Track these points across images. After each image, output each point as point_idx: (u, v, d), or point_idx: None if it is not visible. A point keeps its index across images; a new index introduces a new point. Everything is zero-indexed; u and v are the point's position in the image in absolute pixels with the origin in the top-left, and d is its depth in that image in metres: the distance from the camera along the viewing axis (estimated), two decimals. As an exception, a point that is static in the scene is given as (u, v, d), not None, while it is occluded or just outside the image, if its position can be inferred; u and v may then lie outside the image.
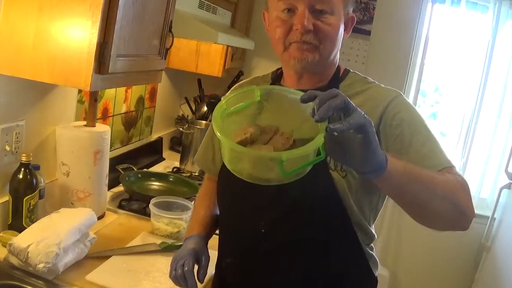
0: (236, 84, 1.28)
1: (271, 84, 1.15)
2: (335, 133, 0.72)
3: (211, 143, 1.26)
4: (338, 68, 1.10)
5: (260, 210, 1.07)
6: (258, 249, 1.09)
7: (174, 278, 1.10)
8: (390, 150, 0.98)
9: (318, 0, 0.99)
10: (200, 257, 1.13)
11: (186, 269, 1.08)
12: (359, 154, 0.75)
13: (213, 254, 1.41)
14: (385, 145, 0.98)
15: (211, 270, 1.17)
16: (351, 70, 1.12)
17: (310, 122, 0.74)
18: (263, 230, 1.06)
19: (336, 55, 1.08)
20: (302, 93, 0.77)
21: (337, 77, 1.09)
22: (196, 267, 1.12)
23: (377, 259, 1.14)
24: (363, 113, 0.73)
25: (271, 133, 0.82)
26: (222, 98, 0.86)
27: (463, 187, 0.94)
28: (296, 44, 1.01)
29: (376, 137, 0.76)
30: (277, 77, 1.16)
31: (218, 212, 1.24)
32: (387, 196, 1.05)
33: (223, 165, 1.13)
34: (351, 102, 0.73)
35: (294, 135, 0.80)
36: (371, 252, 1.12)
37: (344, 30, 1.05)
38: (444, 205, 0.89)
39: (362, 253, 1.08)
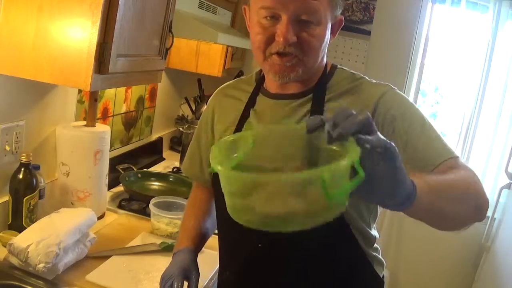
0: (221, 86, 1.19)
1: (255, 87, 1.08)
2: (367, 146, 0.60)
3: (197, 150, 1.20)
4: (325, 65, 1.04)
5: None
6: (256, 262, 1.06)
7: None
8: None
9: (304, 10, 0.89)
10: (189, 274, 1.08)
11: None
12: (387, 185, 0.62)
13: (213, 254, 1.41)
14: None
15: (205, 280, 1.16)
16: (338, 66, 1.06)
17: (321, 152, 0.64)
18: (260, 244, 1.03)
19: (323, 58, 1.02)
20: (304, 125, 0.66)
21: (324, 77, 1.02)
22: (186, 284, 1.08)
23: (383, 259, 1.12)
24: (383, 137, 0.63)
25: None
26: (212, 148, 0.72)
27: (476, 180, 0.86)
28: (277, 57, 0.93)
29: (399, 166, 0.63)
30: (261, 79, 1.09)
31: (208, 222, 1.21)
32: None
33: (215, 174, 1.11)
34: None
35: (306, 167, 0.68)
36: (374, 253, 1.09)
37: (331, 33, 0.98)
38: (467, 207, 0.82)
39: (365, 257, 1.05)
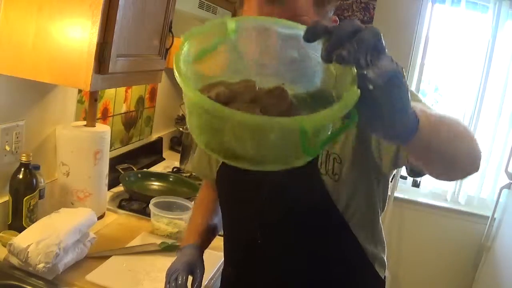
0: None
1: None
2: (371, 86, 0.50)
3: None
4: None
5: (253, 219, 1.03)
6: (255, 258, 1.07)
7: None
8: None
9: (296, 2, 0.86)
10: (194, 269, 1.09)
11: (179, 283, 1.04)
12: (387, 114, 0.53)
13: (215, 255, 1.41)
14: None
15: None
16: None
17: (317, 73, 0.53)
18: (259, 241, 1.04)
19: None
20: (303, 27, 0.53)
21: None
22: (191, 279, 1.08)
23: (385, 259, 1.10)
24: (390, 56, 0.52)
25: (251, 92, 0.55)
26: (183, 36, 0.58)
27: (466, 126, 0.78)
28: None
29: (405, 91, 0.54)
30: None
31: (215, 220, 1.22)
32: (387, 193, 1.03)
33: (219, 170, 1.11)
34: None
35: (289, 92, 0.55)
36: (376, 252, 1.06)
37: None
38: (465, 148, 0.73)
39: (365, 255, 1.04)
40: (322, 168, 0.95)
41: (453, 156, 0.71)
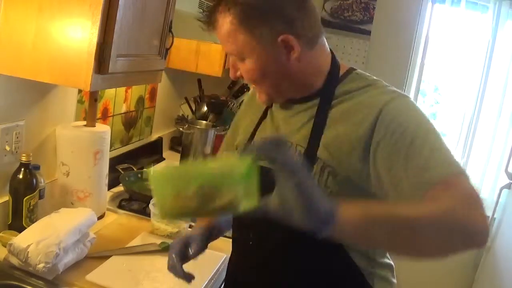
0: (245, 97, 1.19)
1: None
2: (262, 159, 0.64)
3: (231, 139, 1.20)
4: (337, 68, 0.99)
5: (248, 223, 1.03)
6: (247, 258, 1.08)
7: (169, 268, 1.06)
8: (384, 168, 0.86)
9: (230, 51, 0.94)
10: (189, 245, 1.07)
11: (170, 262, 1.03)
12: (296, 206, 0.63)
13: (215, 255, 1.41)
14: (381, 163, 0.86)
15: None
16: (355, 71, 1.00)
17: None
18: (251, 242, 1.04)
19: (308, 71, 0.96)
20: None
21: (335, 80, 0.98)
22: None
23: (392, 278, 1.06)
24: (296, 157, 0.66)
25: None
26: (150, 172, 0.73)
27: (466, 202, 0.75)
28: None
29: (315, 182, 0.70)
30: None
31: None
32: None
33: None
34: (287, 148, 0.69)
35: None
36: (375, 269, 1.01)
37: (290, 49, 0.91)
38: (434, 240, 0.71)
39: (357, 270, 0.99)
40: (314, 179, 0.91)
41: (416, 248, 0.72)
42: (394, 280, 1.09)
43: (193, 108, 2.61)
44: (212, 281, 1.33)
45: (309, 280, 0.99)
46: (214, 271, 1.35)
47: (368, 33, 2.77)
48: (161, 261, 1.36)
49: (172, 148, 2.67)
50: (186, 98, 2.60)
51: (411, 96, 2.88)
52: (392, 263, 1.08)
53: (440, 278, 3.02)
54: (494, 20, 2.73)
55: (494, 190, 2.89)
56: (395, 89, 0.95)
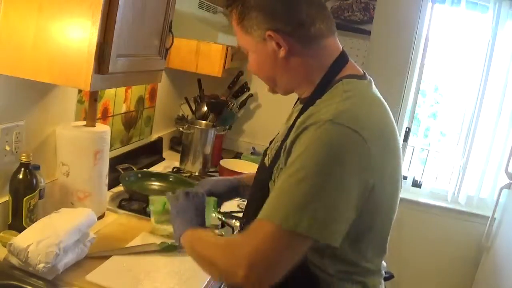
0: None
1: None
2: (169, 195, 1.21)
3: None
4: (334, 74, 1.02)
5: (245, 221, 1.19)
6: None
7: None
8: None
9: (239, 42, 1.09)
10: (212, 194, 1.30)
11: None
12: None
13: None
14: None
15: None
16: (346, 79, 1.00)
17: None
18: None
19: (302, 69, 1.01)
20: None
21: (322, 89, 1.00)
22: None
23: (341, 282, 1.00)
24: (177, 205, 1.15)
25: None
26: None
27: (224, 248, 0.93)
28: None
29: (178, 221, 1.12)
30: None
31: None
32: None
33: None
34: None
35: None
36: (322, 275, 0.98)
37: (282, 46, 0.98)
38: (205, 265, 0.99)
39: (307, 266, 0.97)
40: (273, 174, 1.03)
41: (203, 268, 1.00)
42: None
43: (193, 108, 2.61)
44: (212, 281, 1.33)
45: None
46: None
47: (368, 33, 2.76)
48: (161, 261, 1.36)
49: (172, 148, 2.67)
50: (186, 98, 2.60)
51: (411, 96, 2.88)
52: (365, 280, 1.03)
53: (440, 278, 3.02)
54: (494, 20, 2.73)
55: (494, 190, 2.89)
56: (340, 113, 0.90)
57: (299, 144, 0.90)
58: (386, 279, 1.17)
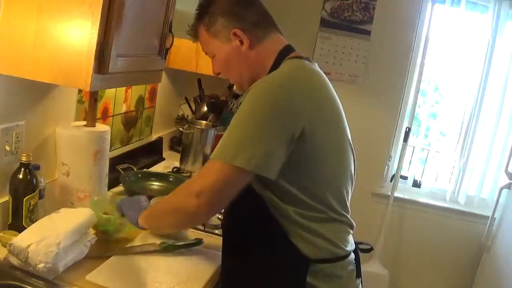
0: None
1: None
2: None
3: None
4: (278, 64, 1.20)
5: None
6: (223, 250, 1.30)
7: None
8: None
9: (204, 50, 1.32)
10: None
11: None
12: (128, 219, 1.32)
13: (215, 254, 1.41)
14: None
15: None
16: (286, 60, 1.20)
17: None
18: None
19: (260, 61, 1.23)
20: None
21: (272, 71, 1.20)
22: None
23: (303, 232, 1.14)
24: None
25: None
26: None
27: (181, 188, 1.16)
28: None
29: (130, 213, 1.30)
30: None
31: None
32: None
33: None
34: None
35: None
36: (302, 231, 1.13)
37: (243, 43, 1.22)
38: (168, 218, 1.21)
39: (281, 228, 1.13)
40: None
41: (168, 226, 1.39)
42: (325, 245, 1.15)
43: (193, 108, 2.61)
44: (212, 281, 1.33)
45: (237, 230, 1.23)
46: (214, 271, 1.35)
47: (368, 33, 2.77)
48: (161, 261, 1.36)
49: (172, 148, 2.67)
50: (186, 98, 2.60)
51: (411, 96, 2.88)
52: (321, 232, 1.14)
53: (440, 277, 3.02)
54: (494, 20, 2.73)
55: (494, 190, 2.89)
56: (272, 76, 1.12)
57: (242, 104, 1.09)
58: (365, 250, 1.31)
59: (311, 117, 1.08)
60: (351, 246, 1.20)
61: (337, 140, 1.18)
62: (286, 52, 1.23)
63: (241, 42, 1.21)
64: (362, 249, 1.30)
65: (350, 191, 1.24)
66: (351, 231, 1.22)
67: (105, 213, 1.40)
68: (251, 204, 1.13)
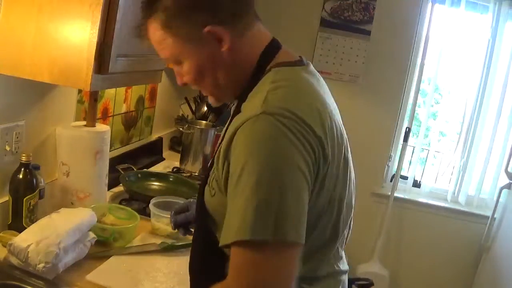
0: None
1: None
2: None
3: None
4: (266, 62, 0.92)
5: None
6: None
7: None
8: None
9: (162, 54, 0.92)
10: (187, 209, 1.23)
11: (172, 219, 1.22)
12: None
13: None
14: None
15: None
16: (276, 68, 0.91)
17: None
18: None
19: (242, 61, 0.92)
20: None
21: (255, 81, 0.92)
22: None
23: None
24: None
25: None
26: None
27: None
28: None
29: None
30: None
31: None
32: None
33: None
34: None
35: None
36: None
37: (221, 41, 0.88)
38: None
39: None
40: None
41: None
42: None
43: (193, 108, 2.61)
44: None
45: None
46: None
47: (368, 33, 2.77)
48: (161, 261, 1.36)
49: (172, 148, 2.67)
50: (186, 98, 2.60)
51: (411, 96, 2.87)
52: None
53: (440, 277, 3.02)
54: (494, 21, 2.73)
55: (494, 190, 2.89)
56: (267, 102, 0.82)
57: (238, 144, 0.80)
58: (364, 286, 1.12)
59: (332, 153, 0.84)
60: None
61: (338, 171, 0.89)
62: (271, 51, 0.94)
63: (219, 41, 0.88)
64: (364, 286, 1.10)
65: (348, 225, 1.00)
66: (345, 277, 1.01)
67: (103, 221, 1.38)
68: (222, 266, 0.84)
